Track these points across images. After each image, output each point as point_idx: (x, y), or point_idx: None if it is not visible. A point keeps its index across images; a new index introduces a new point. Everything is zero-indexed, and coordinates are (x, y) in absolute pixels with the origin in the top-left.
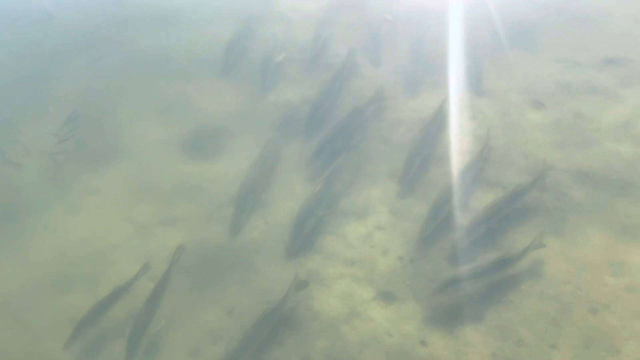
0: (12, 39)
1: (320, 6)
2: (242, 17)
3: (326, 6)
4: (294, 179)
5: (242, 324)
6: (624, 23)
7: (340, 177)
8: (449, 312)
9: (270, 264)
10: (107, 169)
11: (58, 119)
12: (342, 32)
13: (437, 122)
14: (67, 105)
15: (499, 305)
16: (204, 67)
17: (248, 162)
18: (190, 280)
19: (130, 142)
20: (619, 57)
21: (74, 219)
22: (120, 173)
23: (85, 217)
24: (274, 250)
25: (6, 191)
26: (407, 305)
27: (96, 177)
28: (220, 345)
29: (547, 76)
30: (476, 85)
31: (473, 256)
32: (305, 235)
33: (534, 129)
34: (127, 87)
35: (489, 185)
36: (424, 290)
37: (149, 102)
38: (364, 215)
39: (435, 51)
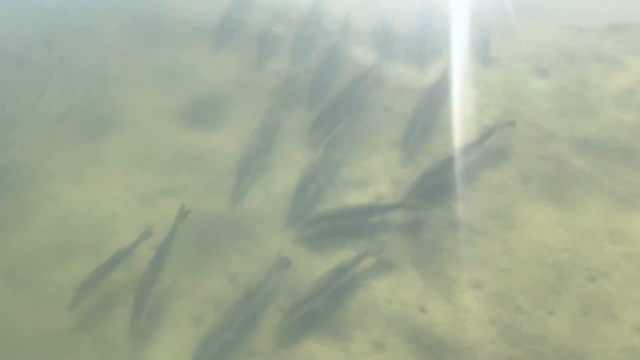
0: None
1: None
2: None
3: None
4: (294, 148)
5: (244, 292)
6: None
7: (341, 146)
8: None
9: (271, 232)
10: (108, 139)
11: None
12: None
13: (439, 88)
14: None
15: (498, 273)
16: (203, 35)
17: (249, 131)
18: (192, 249)
19: (130, 112)
20: (624, 23)
21: (75, 189)
22: (120, 143)
23: (86, 186)
24: (274, 219)
25: (9, 162)
26: (406, 273)
27: (97, 147)
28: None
29: (551, 43)
30: (483, 55)
31: None
32: (305, 203)
33: (537, 97)
34: (126, 56)
35: (490, 154)
36: (424, 259)
37: (148, 71)
38: (364, 185)
39: (439, 18)
